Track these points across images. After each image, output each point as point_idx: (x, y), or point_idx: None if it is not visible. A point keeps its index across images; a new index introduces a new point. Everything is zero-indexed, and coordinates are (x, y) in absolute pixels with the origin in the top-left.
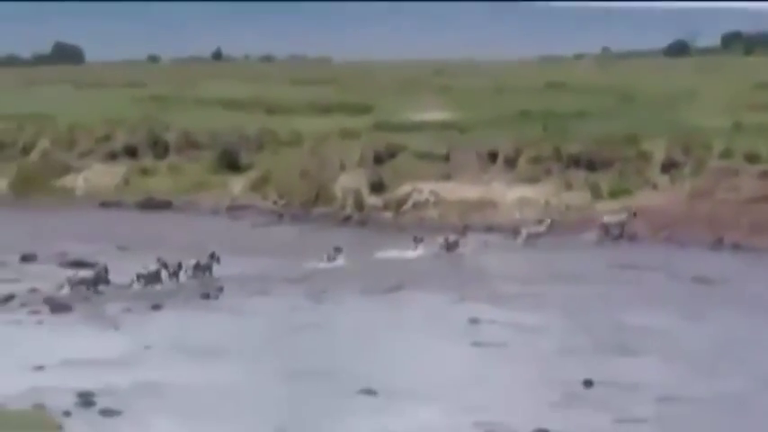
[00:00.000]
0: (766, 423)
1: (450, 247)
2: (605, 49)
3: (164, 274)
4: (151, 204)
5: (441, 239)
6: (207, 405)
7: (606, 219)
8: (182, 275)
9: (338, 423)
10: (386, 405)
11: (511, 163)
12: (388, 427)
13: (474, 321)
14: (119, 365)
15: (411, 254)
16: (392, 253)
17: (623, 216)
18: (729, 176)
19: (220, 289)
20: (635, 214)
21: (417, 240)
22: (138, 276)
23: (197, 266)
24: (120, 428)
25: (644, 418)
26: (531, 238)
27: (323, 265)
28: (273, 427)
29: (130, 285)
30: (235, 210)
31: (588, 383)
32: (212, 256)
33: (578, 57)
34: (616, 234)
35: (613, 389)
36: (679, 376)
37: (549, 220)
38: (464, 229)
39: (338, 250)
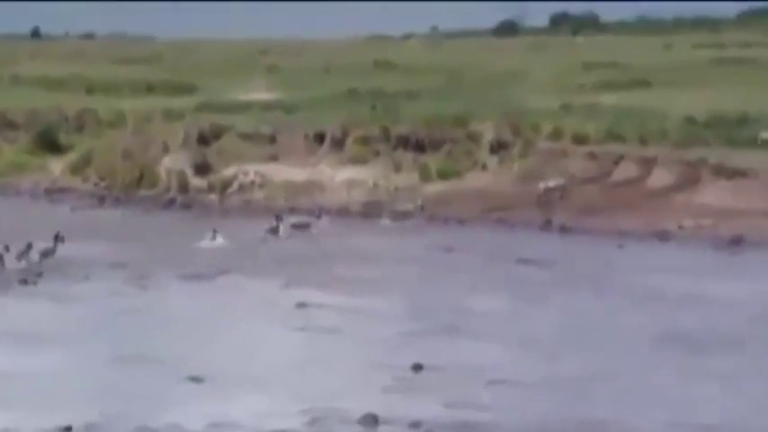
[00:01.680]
0: (603, 407)
1: (302, 227)
2: (434, 29)
3: (8, 256)
4: None
5: (292, 220)
6: (25, 393)
7: (544, 185)
8: (31, 256)
9: (163, 410)
10: (212, 392)
11: (339, 144)
12: (213, 413)
13: (301, 305)
14: None
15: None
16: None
17: (561, 180)
18: (558, 158)
19: (39, 274)
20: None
21: (278, 219)
22: None
23: (41, 249)
24: None
25: (475, 402)
26: (398, 218)
27: (205, 244)
28: (95, 415)
29: None
30: (54, 192)
31: (417, 368)
32: (57, 237)
33: (407, 36)
34: (557, 197)
35: (445, 373)
36: (511, 359)
37: (419, 201)
38: (319, 212)
39: (216, 231)
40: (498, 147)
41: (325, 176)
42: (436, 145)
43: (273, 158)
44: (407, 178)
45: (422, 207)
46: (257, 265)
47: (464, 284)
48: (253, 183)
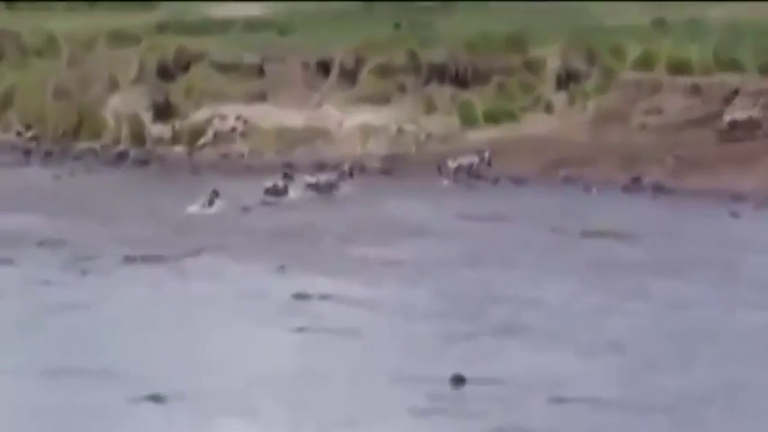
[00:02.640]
0: None
1: (325, 189)
2: None
3: None
4: None
5: (309, 179)
6: None
7: (738, 115)
8: None
9: None
10: (178, 415)
11: (350, 76)
12: None
13: (301, 297)
14: None
15: (292, 195)
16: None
17: (753, 112)
18: (649, 93)
19: None
20: None
21: (287, 177)
22: None
23: None
24: None
25: (535, 428)
26: (461, 172)
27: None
28: None
29: None
30: None
31: (458, 381)
32: None
33: None
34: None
35: (495, 388)
36: (587, 371)
37: (486, 152)
38: (350, 169)
39: (216, 194)
40: (567, 79)
41: (332, 121)
42: (482, 77)
43: (261, 97)
44: (444, 122)
45: (489, 162)
46: (241, 242)
47: (523, 268)
48: (233, 130)
